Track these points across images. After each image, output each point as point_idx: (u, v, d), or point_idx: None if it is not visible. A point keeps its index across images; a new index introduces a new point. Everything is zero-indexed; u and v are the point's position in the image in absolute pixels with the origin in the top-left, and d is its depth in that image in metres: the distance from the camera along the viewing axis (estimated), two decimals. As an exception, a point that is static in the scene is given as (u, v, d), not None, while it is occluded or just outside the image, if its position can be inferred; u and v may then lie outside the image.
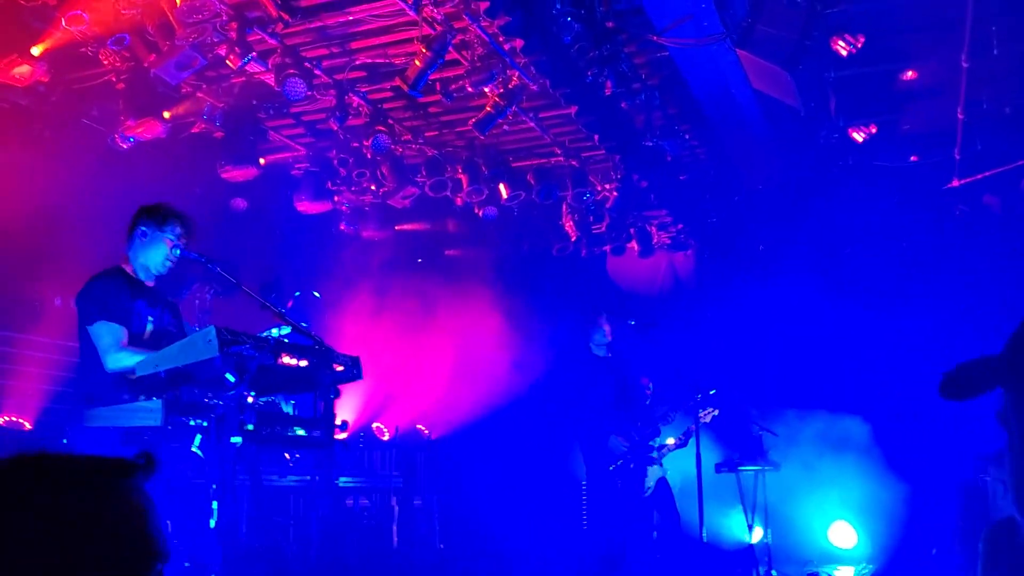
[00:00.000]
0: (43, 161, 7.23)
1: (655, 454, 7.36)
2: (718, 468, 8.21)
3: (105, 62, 6.78)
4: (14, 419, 6.57)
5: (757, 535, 8.21)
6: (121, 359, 4.00)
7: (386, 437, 9.20)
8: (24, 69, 6.32)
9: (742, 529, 8.29)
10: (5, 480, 1.23)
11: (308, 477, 6.20)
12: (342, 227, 10.01)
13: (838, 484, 8.84)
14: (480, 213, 9.52)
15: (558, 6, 6.25)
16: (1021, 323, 2.01)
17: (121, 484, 1.28)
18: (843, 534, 9.09)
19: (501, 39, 6.72)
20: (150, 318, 4.23)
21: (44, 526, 1.19)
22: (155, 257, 4.26)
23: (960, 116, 7.40)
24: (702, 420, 7.48)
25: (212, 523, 3.46)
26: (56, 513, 1.20)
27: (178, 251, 4.24)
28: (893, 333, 8.97)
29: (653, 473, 7.35)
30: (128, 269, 4.32)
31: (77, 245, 6.88)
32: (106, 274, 4.26)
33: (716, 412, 7.53)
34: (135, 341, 4.11)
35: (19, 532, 1.17)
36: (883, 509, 8.55)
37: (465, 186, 9.04)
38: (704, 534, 6.73)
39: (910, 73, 7.14)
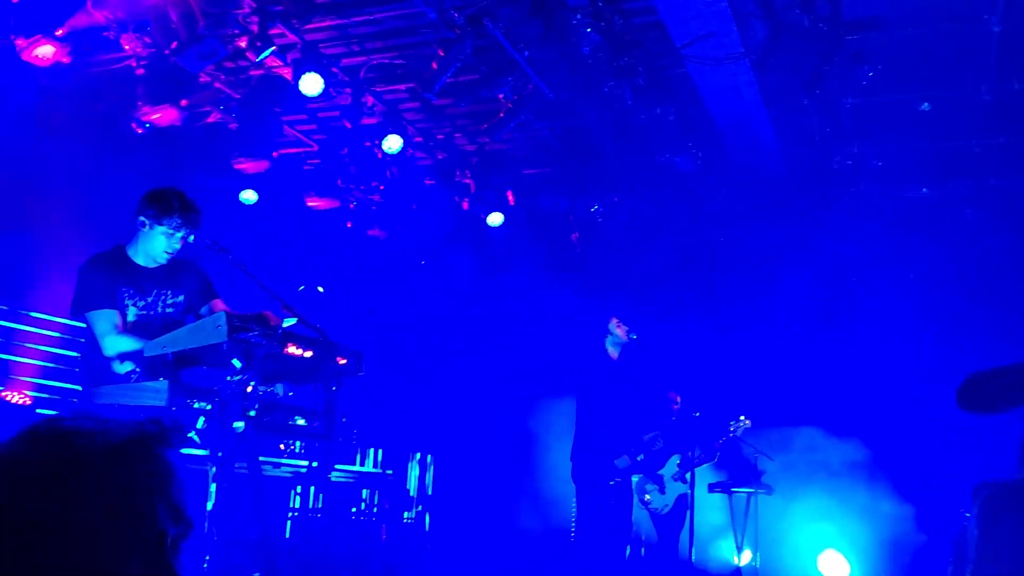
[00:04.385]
0: (57, 142, 7.26)
1: (676, 469, 7.30)
2: (711, 488, 8.20)
3: (126, 47, 6.81)
4: (19, 394, 6.61)
5: (746, 558, 8.19)
6: (118, 344, 4.00)
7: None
8: (48, 49, 6.34)
9: (731, 551, 8.28)
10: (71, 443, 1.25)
11: (304, 468, 6.21)
12: (349, 224, 10.04)
13: (831, 512, 8.82)
14: (487, 219, 9.54)
15: (578, 16, 6.28)
16: None
17: (159, 448, 1.31)
18: (833, 563, 9.06)
19: (519, 46, 6.75)
20: (132, 305, 4.21)
21: (101, 485, 1.21)
22: (155, 247, 4.25)
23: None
24: (733, 433, 7.46)
25: (209, 506, 3.47)
26: (112, 474, 1.22)
27: (178, 244, 4.21)
28: (894, 360, 8.96)
29: (674, 490, 7.32)
30: (129, 251, 4.32)
31: (84, 225, 6.91)
32: (99, 258, 4.25)
33: (748, 423, 7.50)
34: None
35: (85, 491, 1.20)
36: (876, 539, 8.53)
37: (473, 191, 9.06)
38: (692, 555, 6.71)
39: (927, 104, 7.16)
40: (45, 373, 7.53)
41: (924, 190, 8.31)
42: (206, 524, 3.49)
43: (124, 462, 1.25)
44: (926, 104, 7.03)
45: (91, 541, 1.19)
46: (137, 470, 1.26)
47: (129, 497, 1.24)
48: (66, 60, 6.40)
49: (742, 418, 7.76)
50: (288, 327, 3.85)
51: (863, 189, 8.35)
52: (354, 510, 7.62)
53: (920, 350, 8.70)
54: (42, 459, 1.23)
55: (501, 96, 7.34)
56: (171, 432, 1.32)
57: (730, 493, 8.26)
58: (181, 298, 4.36)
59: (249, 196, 8.79)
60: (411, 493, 9.18)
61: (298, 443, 6.53)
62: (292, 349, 3.78)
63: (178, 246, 4.23)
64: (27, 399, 6.52)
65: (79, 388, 4.30)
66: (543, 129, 8.20)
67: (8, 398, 6.51)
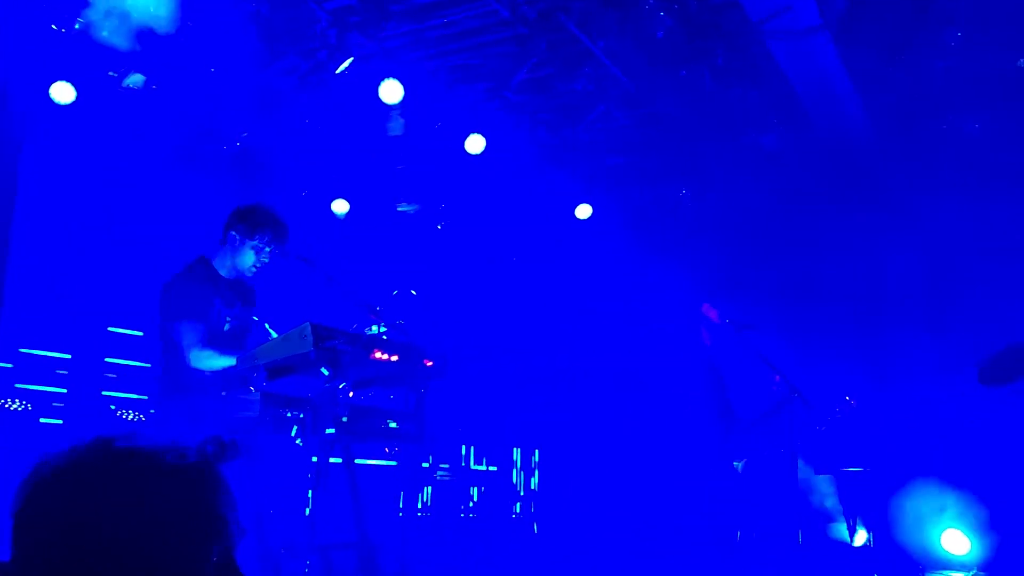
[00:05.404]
0: (153, 165, 7.57)
1: (780, 451, 7.20)
2: (818, 469, 8.00)
3: (212, 68, 7.04)
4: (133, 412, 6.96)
5: (860, 539, 7.97)
6: (203, 358, 4.12)
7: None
8: (138, 78, 6.64)
9: (843, 532, 8.06)
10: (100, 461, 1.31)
11: (401, 470, 6.35)
12: (439, 226, 10.16)
13: (950, 491, 8.47)
14: (575, 211, 9.51)
15: (651, 1, 6.21)
16: None
17: (190, 472, 1.35)
18: (955, 541, 8.71)
19: (594, 37, 6.70)
20: (228, 317, 4.36)
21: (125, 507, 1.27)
22: (244, 262, 4.39)
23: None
24: (838, 414, 7.30)
25: (307, 511, 3.58)
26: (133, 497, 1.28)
27: (267, 259, 4.35)
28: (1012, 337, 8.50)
29: (779, 472, 7.21)
30: (212, 263, 4.45)
31: (176, 242, 7.18)
32: (188, 271, 4.40)
33: (853, 404, 7.34)
34: (214, 337, 4.23)
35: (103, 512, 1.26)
36: (1002, 519, 8.15)
37: (558, 185, 9.05)
38: (801, 537, 6.58)
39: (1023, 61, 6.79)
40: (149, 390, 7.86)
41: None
42: (306, 529, 3.60)
43: (159, 489, 1.30)
44: (1022, 60, 6.67)
45: (133, 558, 1.25)
46: (174, 496, 1.31)
47: (166, 519, 1.29)
48: (155, 86, 6.67)
49: (847, 398, 7.56)
50: (377, 333, 3.94)
51: (962, 158, 7.95)
52: (462, 509, 7.74)
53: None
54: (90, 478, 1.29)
55: (579, 88, 7.31)
56: (213, 456, 1.37)
57: (839, 474, 8.05)
58: (256, 319, 4.51)
59: (340, 207, 8.98)
60: (517, 489, 9.26)
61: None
62: (379, 354, 3.87)
63: (266, 260, 4.36)
64: (141, 416, 6.85)
65: (161, 398, 4.42)
66: (623, 118, 8.12)
67: (125, 417, 6.85)
